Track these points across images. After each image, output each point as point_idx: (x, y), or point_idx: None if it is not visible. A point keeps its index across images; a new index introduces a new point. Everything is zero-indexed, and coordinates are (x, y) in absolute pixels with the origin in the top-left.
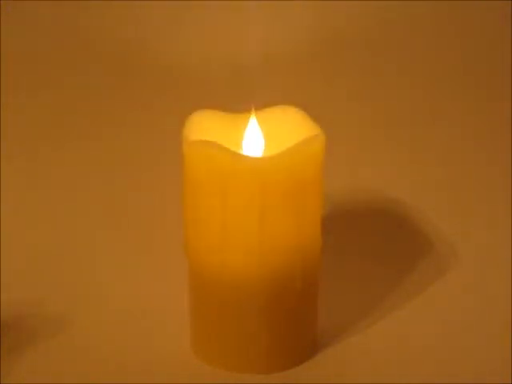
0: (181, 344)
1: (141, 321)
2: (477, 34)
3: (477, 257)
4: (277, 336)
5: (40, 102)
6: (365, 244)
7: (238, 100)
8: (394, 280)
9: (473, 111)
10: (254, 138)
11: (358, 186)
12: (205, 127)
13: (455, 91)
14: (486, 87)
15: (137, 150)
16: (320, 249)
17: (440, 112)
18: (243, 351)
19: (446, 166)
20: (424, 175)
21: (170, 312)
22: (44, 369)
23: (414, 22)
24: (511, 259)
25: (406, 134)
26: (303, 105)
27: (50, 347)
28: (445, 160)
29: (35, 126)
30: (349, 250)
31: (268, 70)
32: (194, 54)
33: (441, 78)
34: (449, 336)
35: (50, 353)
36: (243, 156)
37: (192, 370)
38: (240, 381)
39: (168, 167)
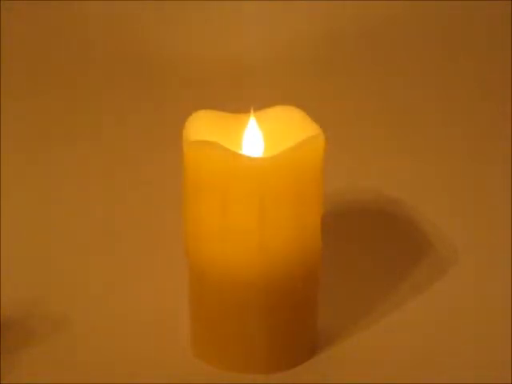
0: (181, 344)
1: (141, 321)
2: (477, 33)
3: (477, 257)
4: (277, 336)
5: (39, 101)
6: (365, 244)
7: (238, 100)
8: (394, 280)
9: (473, 111)
10: (254, 138)
11: (358, 186)
12: (205, 127)
13: (455, 91)
14: (487, 87)
15: (137, 150)
16: (320, 249)
17: (440, 112)
18: (243, 351)
19: (446, 166)
20: (424, 175)
21: (170, 312)
22: (44, 369)
23: (414, 22)
24: (511, 259)
25: (406, 134)
26: (303, 105)
27: (49, 347)
28: (445, 160)
29: (35, 125)
30: (349, 249)
31: (268, 70)
32: (194, 54)
33: (441, 78)
34: (449, 336)
35: (49, 353)
36: (243, 156)
37: (192, 370)
38: (240, 381)
39: (168, 167)
